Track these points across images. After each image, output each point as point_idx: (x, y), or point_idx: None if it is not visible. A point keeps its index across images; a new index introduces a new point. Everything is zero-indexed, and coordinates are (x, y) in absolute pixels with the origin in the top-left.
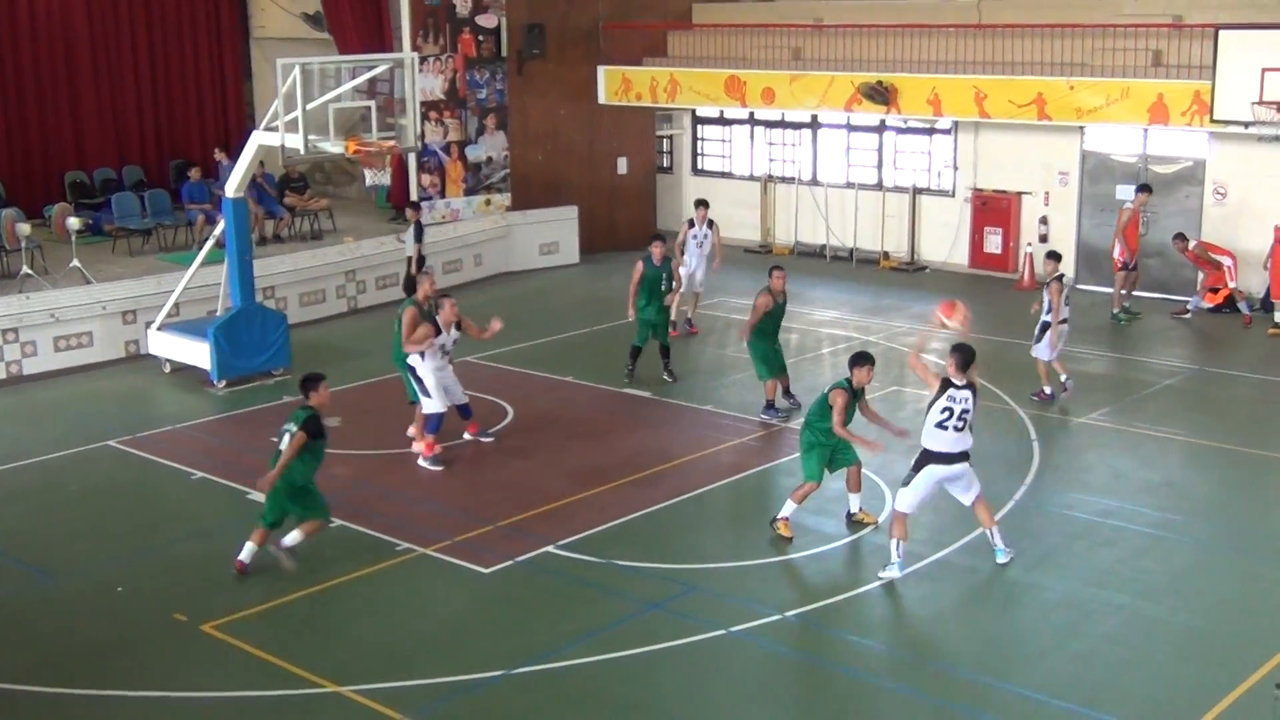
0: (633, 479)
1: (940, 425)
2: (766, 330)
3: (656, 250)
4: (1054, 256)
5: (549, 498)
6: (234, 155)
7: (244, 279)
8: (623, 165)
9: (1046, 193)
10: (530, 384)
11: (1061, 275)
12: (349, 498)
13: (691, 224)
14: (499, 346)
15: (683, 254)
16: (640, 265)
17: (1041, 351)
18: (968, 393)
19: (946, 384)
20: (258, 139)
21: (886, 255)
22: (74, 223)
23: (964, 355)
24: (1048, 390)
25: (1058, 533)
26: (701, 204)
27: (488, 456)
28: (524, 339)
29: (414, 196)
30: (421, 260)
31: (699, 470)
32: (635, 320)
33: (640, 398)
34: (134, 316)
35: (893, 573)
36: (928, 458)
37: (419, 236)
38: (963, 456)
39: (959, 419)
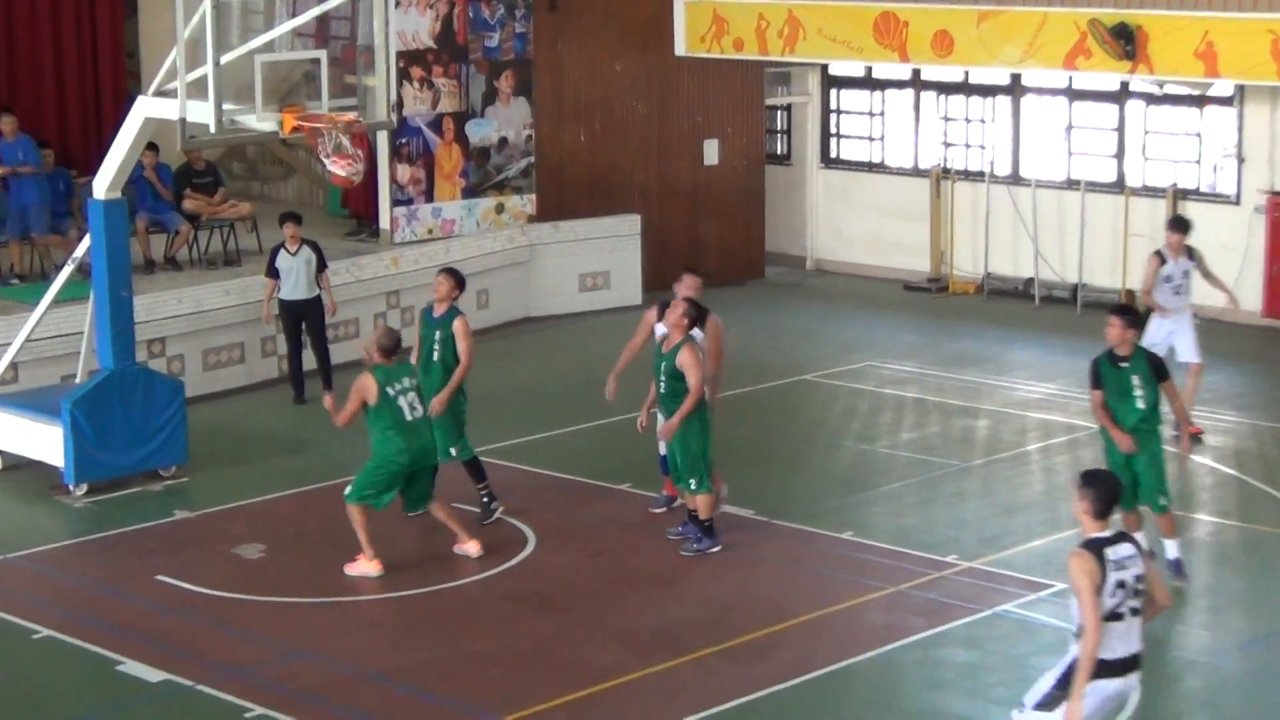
0: (724, 647)
1: (1112, 615)
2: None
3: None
4: None
5: (591, 675)
6: (106, 134)
7: (118, 327)
8: (712, 152)
9: None
10: (562, 494)
11: None
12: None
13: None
14: (515, 434)
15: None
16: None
17: None
18: (1129, 548)
19: (1097, 546)
20: (144, 109)
21: (1131, 296)
22: None
23: (1100, 489)
24: None
25: None
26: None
27: (494, 603)
28: (554, 424)
29: (383, 202)
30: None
31: (831, 635)
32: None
33: (736, 518)
34: None
35: None
36: (1094, 670)
37: (319, 268)
38: (1135, 662)
39: (1132, 595)
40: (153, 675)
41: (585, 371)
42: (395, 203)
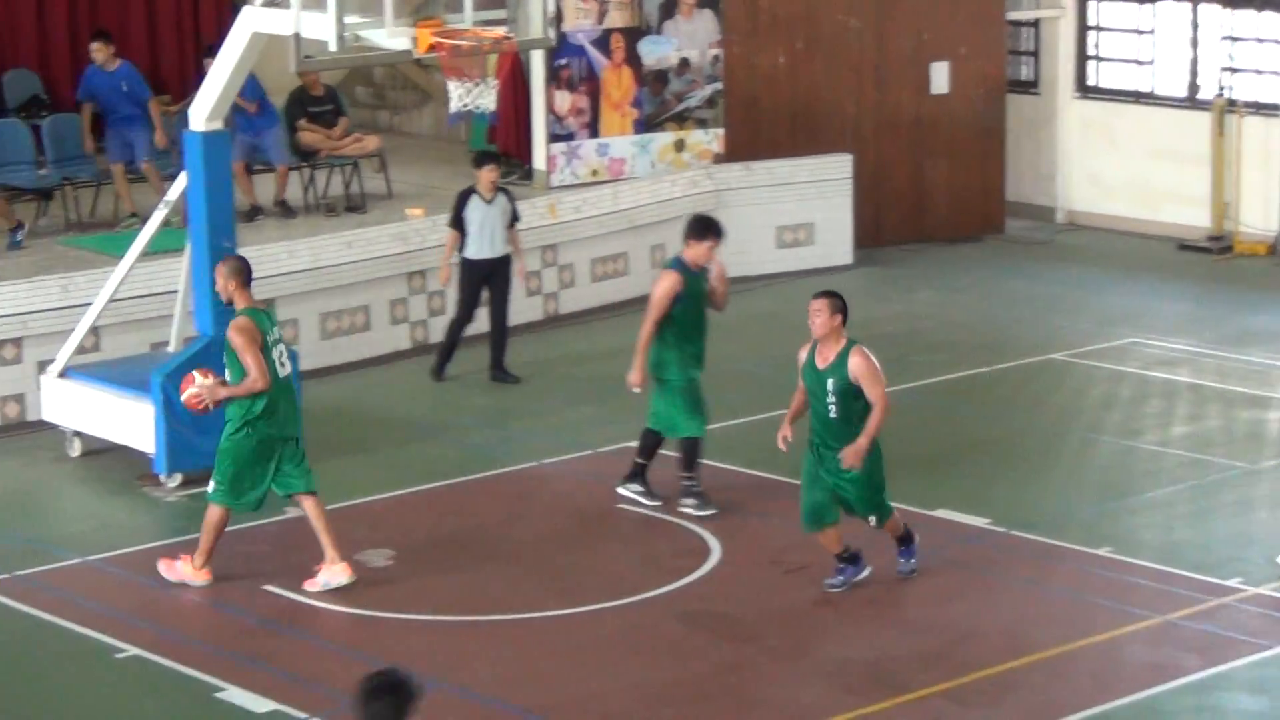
0: (950, 686)
1: None
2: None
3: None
4: None
5: (787, 717)
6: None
7: None
8: (941, 77)
9: None
10: (753, 494)
11: None
12: None
13: None
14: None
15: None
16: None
17: None
18: None
19: None
20: (251, 22)
21: None
22: None
23: None
24: None
25: None
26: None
27: (667, 626)
28: (744, 409)
29: (538, 138)
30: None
31: (1083, 675)
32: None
33: (969, 529)
34: (17, 351)
35: None
36: None
37: (510, 221)
38: None
39: None
40: (258, 705)
41: (784, 346)
42: (553, 138)
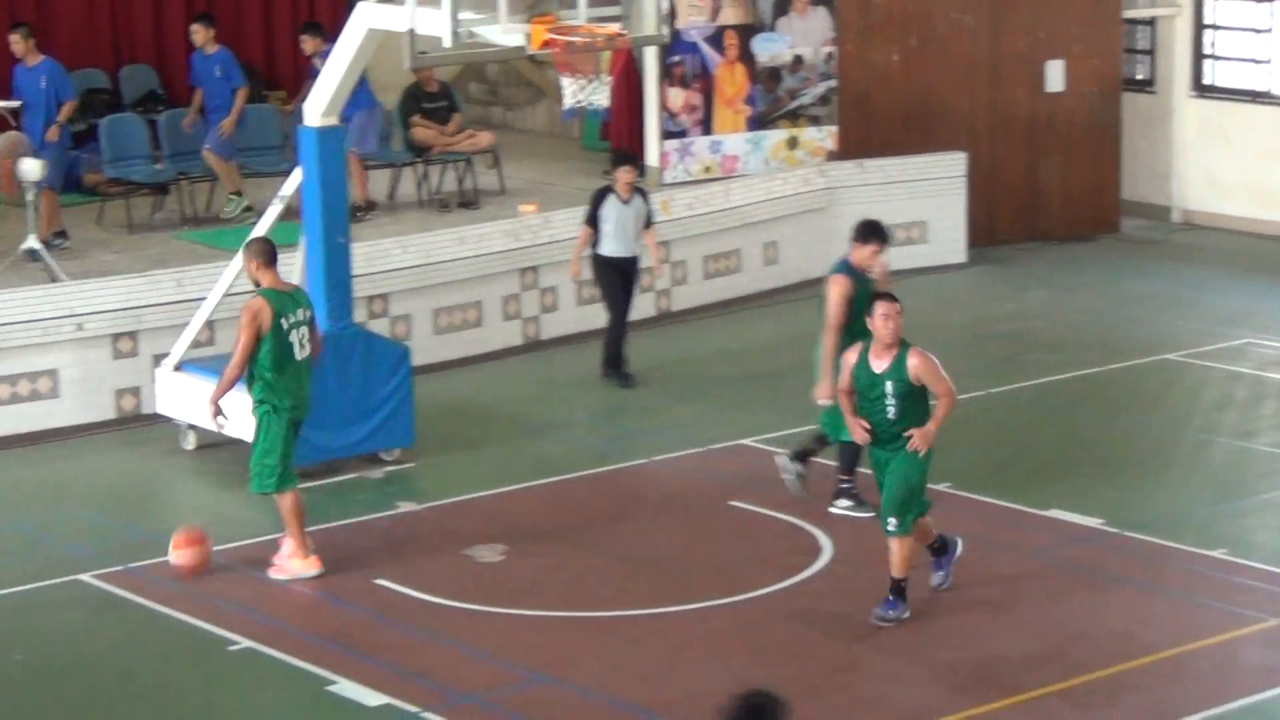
0: (1062, 688)
1: None
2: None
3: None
4: None
5: (897, 715)
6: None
7: (333, 281)
8: (1055, 76)
9: None
10: (865, 494)
11: None
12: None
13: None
14: (809, 419)
15: None
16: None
17: None
18: None
19: None
20: (366, 18)
21: None
22: (32, 169)
23: None
24: None
25: None
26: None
27: (779, 624)
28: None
29: (651, 135)
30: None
31: (1196, 677)
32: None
33: (1081, 530)
34: (133, 344)
35: None
36: None
37: (646, 222)
38: None
39: None
40: (371, 698)
41: None
42: (666, 134)
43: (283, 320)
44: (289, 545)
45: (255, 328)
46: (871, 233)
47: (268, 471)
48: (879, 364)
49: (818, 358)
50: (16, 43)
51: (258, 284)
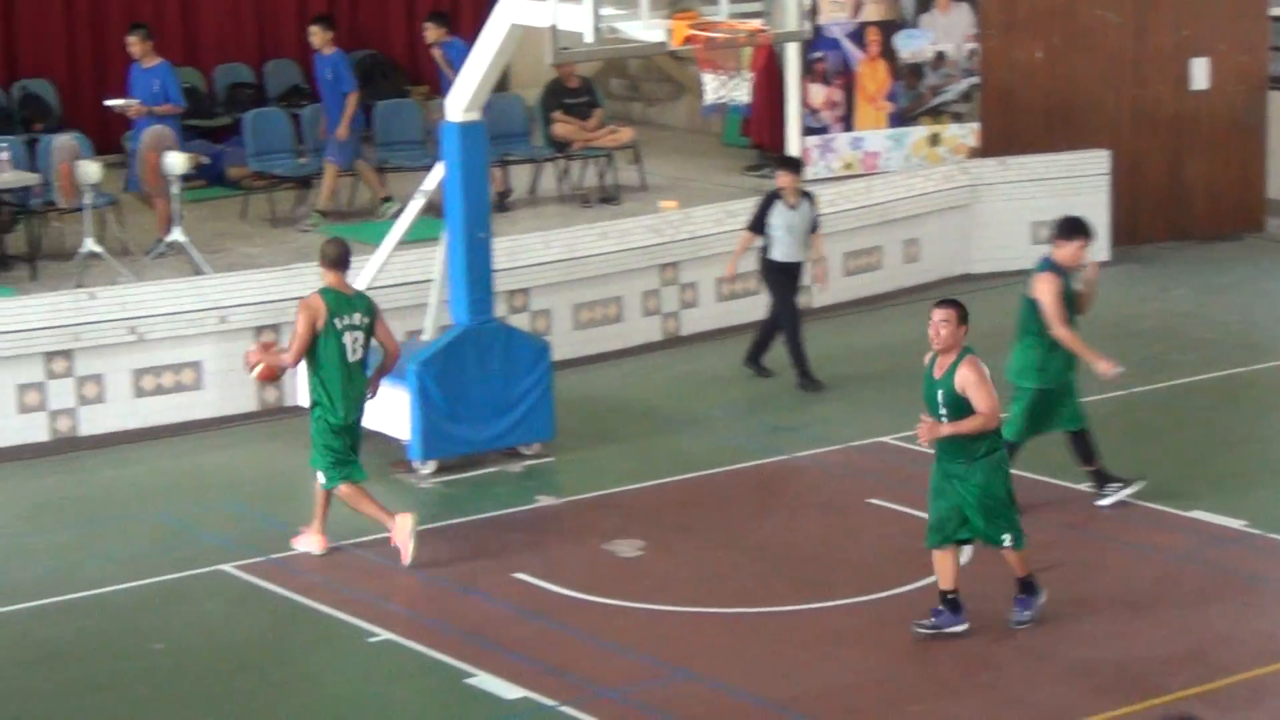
0: (1205, 690)
1: None
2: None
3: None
4: None
5: (1035, 716)
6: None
7: (475, 275)
8: (1201, 73)
9: None
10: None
11: None
12: None
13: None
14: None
15: None
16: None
17: None
18: None
19: None
20: (508, 14)
21: None
22: (177, 162)
23: None
24: None
25: None
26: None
27: (907, 620)
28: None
29: (792, 131)
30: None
31: None
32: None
33: (1224, 531)
34: (275, 337)
35: None
36: None
37: (813, 227)
38: None
39: None
40: (508, 691)
41: None
42: (807, 131)
43: (336, 320)
44: (315, 524)
45: (309, 323)
46: (1075, 229)
47: (325, 467)
48: (938, 370)
49: (1023, 362)
50: (134, 44)
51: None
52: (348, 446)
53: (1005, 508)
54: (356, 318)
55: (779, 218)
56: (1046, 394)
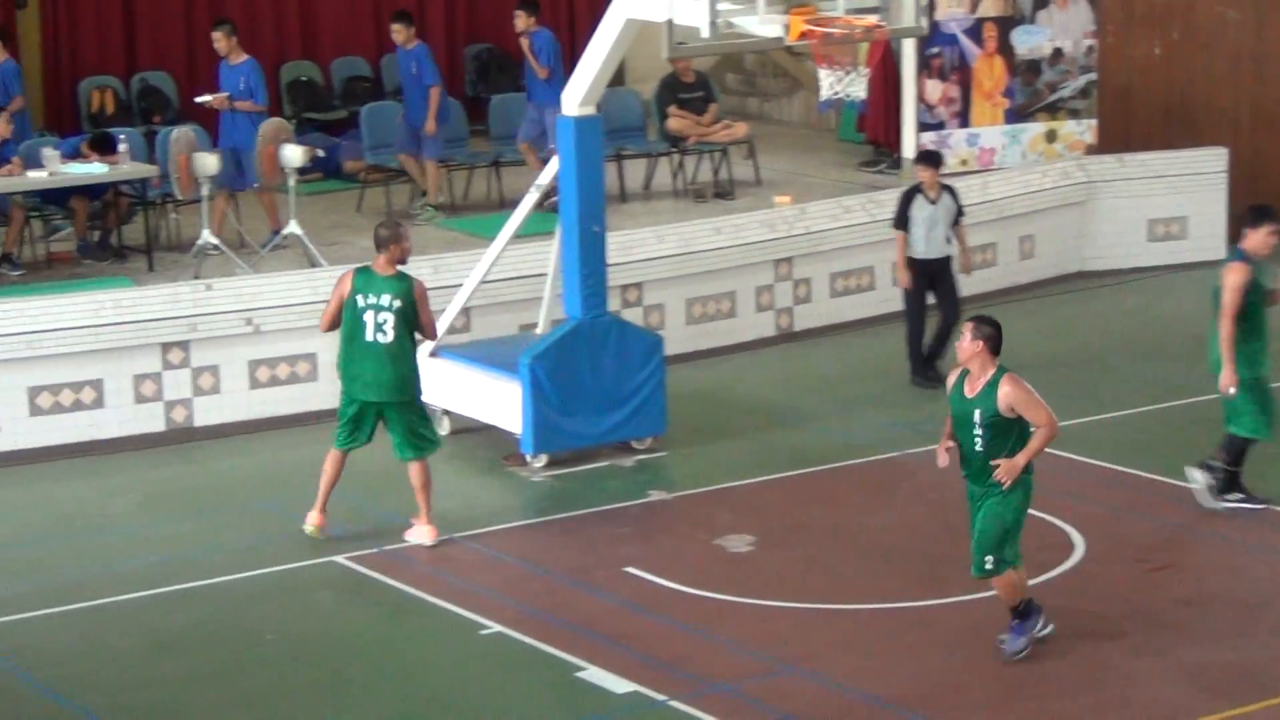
0: None
1: None
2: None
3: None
4: None
5: (1148, 716)
6: (580, 40)
7: (588, 269)
8: None
9: None
10: (1118, 490)
11: None
12: None
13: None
14: (1062, 414)
15: None
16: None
17: None
18: None
19: None
20: (624, 8)
21: None
22: (294, 155)
23: None
24: None
25: None
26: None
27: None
28: (1112, 403)
29: (908, 127)
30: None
31: None
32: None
33: None
34: None
35: None
36: None
37: (955, 219)
38: None
39: None
40: (618, 685)
41: (1153, 340)
42: (922, 127)
43: (359, 297)
44: (422, 515)
45: (337, 294)
46: (1262, 215)
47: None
48: (970, 390)
49: (1213, 350)
50: (219, 39)
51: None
52: (351, 421)
53: (1010, 537)
54: (385, 298)
55: (919, 211)
56: (1260, 379)
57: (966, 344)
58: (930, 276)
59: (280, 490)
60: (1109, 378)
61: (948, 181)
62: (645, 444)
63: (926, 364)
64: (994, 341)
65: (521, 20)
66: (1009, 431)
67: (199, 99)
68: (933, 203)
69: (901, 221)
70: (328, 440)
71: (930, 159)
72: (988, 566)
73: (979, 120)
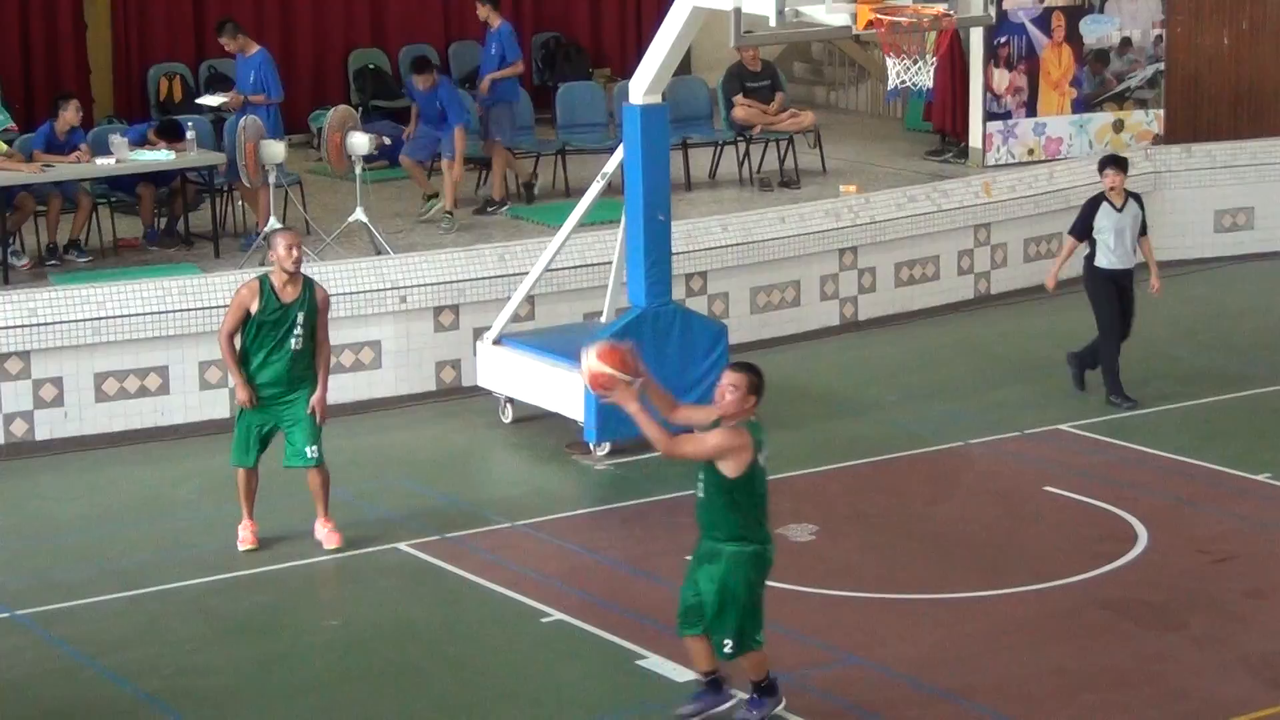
0: None
1: None
2: None
3: None
4: None
5: (1210, 708)
6: (646, 29)
7: (653, 258)
8: None
9: None
10: (1180, 480)
11: None
12: None
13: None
14: (1113, 409)
15: None
16: None
17: None
18: None
19: None
20: None
21: None
22: (361, 143)
23: None
24: None
25: None
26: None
27: (1090, 612)
28: (1177, 394)
29: (975, 116)
30: None
31: None
32: None
33: None
34: (454, 318)
35: None
36: None
37: (1142, 229)
38: None
39: None
40: (680, 674)
41: (1222, 331)
42: (989, 116)
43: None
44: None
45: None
46: None
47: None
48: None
49: None
50: (227, 43)
51: None
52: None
53: (736, 606)
54: (295, 312)
55: (1106, 219)
56: None
57: (739, 399)
58: (1123, 289)
59: (344, 477)
60: (1174, 368)
61: (1132, 189)
62: None
63: (1118, 386)
64: (760, 396)
65: (484, 11)
66: (733, 489)
67: (199, 99)
68: (1119, 210)
69: (1083, 231)
70: (391, 427)
71: (1118, 163)
72: (727, 650)
73: (1046, 110)
